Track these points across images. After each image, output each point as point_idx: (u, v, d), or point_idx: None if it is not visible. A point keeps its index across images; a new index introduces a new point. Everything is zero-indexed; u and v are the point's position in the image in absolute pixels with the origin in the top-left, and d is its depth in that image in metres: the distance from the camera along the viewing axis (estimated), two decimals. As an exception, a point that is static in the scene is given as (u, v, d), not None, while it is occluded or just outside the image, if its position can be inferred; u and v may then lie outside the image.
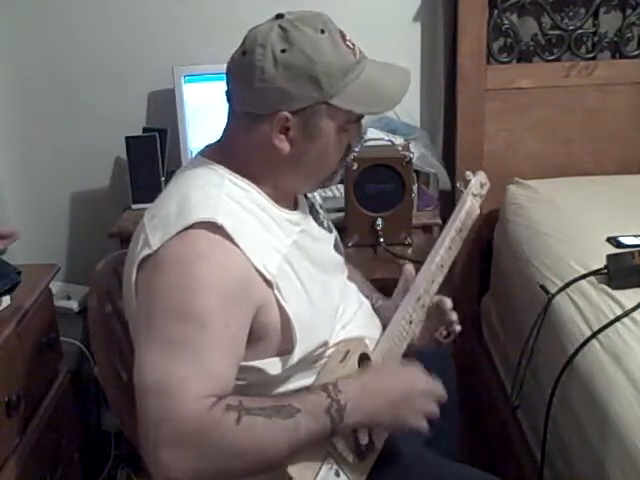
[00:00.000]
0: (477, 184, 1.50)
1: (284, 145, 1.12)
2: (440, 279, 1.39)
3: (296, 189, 1.26)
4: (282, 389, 1.16)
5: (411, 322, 1.32)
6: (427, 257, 1.42)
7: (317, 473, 1.09)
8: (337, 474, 1.12)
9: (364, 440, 1.15)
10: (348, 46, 1.13)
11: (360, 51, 1.15)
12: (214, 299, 1.03)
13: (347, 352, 1.20)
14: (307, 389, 1.11)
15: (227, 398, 1.02)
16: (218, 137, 1.22)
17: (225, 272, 1.05)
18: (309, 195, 1.35)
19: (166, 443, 0.97)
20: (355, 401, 1.07)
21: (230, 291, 1.05)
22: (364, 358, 1.22)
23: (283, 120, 1.11)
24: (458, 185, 1.50)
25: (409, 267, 1.42)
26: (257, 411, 1.01)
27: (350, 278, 1.40)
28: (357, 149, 1.79)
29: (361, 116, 1.17)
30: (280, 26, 1.10)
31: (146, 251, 1.07)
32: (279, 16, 1.13)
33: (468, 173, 1.52)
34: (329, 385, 1.07)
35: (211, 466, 0.99)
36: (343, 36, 1.14)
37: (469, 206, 1.46)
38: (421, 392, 1.14)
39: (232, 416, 0.99)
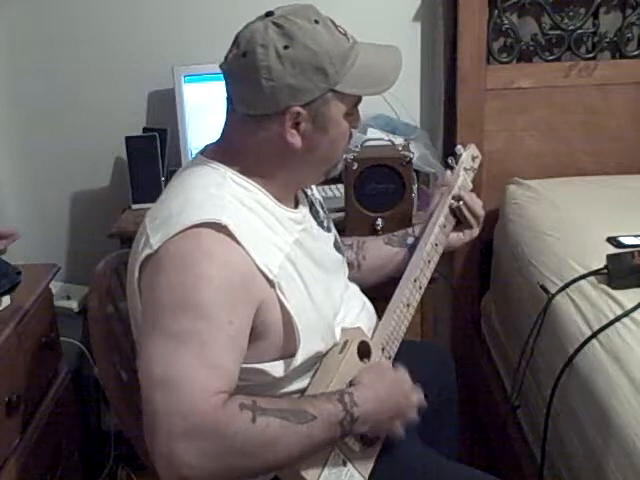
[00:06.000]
0: (468, 158, 1.49)
1: (296, 140, 1.13)
2: (436, 258, 1.38)
3: (305, 182, 1.28)
4: (285, 390, 1.16)
5: (409, 305, 1.31)
6: (421, 237, 1.41)
7: (325, 464, 1.10)
8: (344, 463, 1.13)
9: None
10: (340, 32, 1.15)
11: (351, 35, 1.17)
12: (217, 295, 1.03)
13: (346, 342, 1.21)
14: (323, 395, 1.10)
15: (239, 396, 1.01)
16: (217, 138, 1.21)
17: (227, 269, 1.05)
18: (309, 194, 1.35)
19: (180, 437, 0.96)
20: (366, 415, 1.10)
21: (232, 288, 1.05)
22: (363, 346, 1.22)
23: (295, 115, 1.11)
24: (449, 161, 1.48)
25: (447, 173, 1.46)
26: (273, 412, 1.01)
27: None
28: (357, 148, 1.79)
29: (360, 99, 1.19)
30: (274, 22, 1.10)
31: (147, 251, 1.07)
32: (269, 14, 1.14)
33: (459, 147, 1.50)
34: (345, 395, 1.08)
35: (220, 462, 0.99)
36: (334, 23, 1.16)
37: (462, 181, 1.44)
38: (412, 406, 1.19)
39: (247, 415, 0.99)
